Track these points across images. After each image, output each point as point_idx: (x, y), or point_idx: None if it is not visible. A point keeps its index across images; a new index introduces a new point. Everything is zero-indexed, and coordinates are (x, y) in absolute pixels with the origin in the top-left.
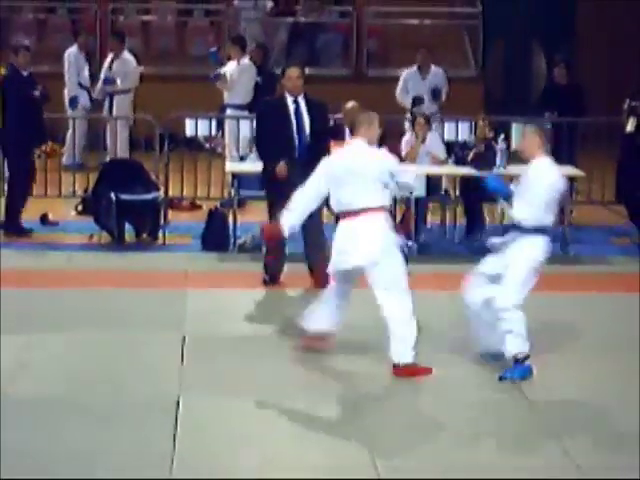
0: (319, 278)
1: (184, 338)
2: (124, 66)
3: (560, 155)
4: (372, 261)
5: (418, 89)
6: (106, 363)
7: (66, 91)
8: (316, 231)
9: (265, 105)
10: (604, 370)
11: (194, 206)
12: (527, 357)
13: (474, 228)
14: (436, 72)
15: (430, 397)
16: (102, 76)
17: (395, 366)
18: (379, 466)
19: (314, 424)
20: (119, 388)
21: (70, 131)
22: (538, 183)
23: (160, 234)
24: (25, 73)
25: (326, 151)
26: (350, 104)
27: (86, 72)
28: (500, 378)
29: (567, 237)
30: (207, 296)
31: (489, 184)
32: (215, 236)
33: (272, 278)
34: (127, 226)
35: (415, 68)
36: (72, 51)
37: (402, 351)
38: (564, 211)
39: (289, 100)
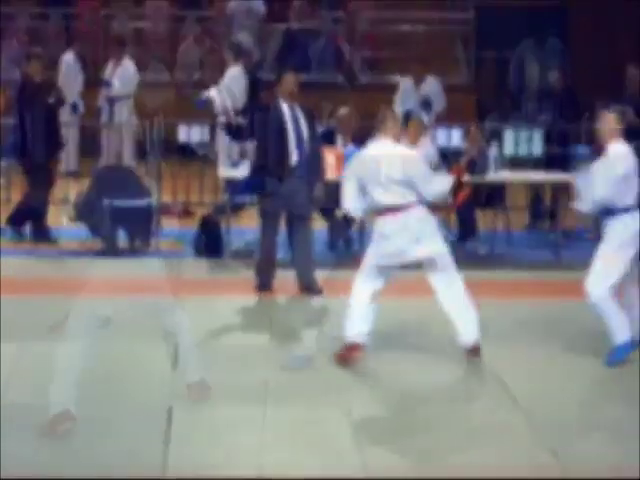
0: (303, 285)
1: (176, 345)
2: (125, 72)
3: (553, 160)
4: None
5: (410, 102)
6: (98, 370)
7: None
8: (304, 239)
9: (261, 114)
10: (598, 375)
11: (187, 212)
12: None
13: (467, 234)
14: (430, 83)
15: (427, 397)
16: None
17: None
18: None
19: (308, 433)
20: (111, 395)
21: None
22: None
23: (152, 240)
24: (38, 80)
25: (321, 156)
26: (343, 110)
27: (80, 79)
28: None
29: (559, 243)
30: (199, 303)
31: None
32: (208, 243)
33: (264, 285)
34: (120, 232)
35: (410, 80)
36: (69, 58)
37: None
38: (557, 217)
39: (284, 107)
